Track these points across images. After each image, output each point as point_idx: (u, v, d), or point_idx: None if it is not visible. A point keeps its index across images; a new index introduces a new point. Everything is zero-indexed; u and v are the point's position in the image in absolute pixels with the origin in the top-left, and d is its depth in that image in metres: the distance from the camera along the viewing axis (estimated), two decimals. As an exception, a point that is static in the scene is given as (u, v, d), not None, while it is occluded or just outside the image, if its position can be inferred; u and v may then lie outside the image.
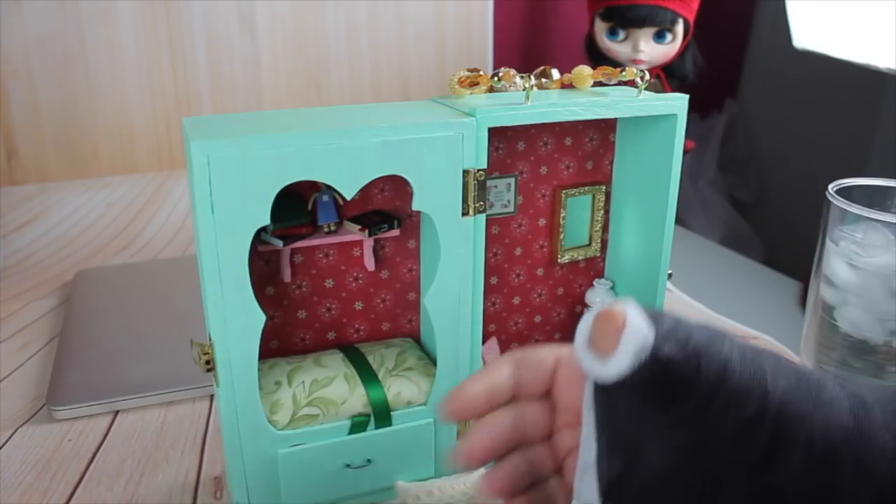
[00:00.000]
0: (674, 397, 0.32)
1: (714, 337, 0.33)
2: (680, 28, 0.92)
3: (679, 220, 0.50)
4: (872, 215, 0.52)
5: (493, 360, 0.53)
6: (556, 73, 0.48)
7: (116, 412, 0.60)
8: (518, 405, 0.39)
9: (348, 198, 0.41)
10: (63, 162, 1.14)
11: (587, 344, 0.32)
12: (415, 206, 0.42)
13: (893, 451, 0.32)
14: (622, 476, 0.35)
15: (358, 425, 0.45)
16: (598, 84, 0.48)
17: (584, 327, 0.33)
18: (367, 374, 0.46)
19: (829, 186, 0.56)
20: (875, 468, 0.32)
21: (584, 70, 0.47)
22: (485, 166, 0.43)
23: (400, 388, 0.46)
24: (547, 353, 0.38)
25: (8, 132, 1.09)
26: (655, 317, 0.32)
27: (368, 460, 0.46)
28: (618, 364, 0.31)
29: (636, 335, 0.31)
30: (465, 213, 0.43)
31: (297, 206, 0.46)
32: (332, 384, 0.45)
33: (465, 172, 0.42)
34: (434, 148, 0.41)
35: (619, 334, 0.31)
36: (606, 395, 0.34)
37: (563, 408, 0.38)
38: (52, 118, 1.12)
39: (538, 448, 0.39)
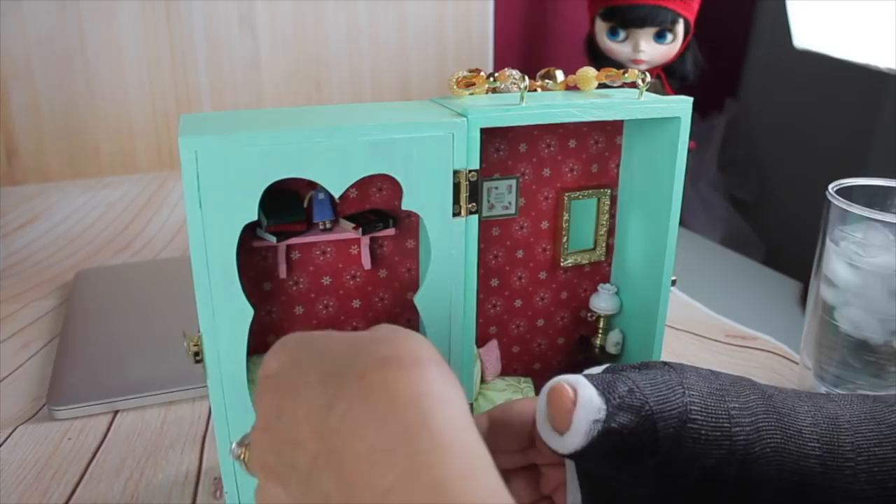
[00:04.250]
0: (634, 460, 0.33)
1: (672, 392, 0.33)
2: (680, 28, 0.92)
3: (679, 221, 0.50)
4: (872, 215, 0.52)
5: (498, 368, 0.53)
6: (560, 75, 0.48)
7: (116, 412, 0.60)
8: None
9: (336, 196, 0.41)
10: (63, 162, 1.14)
11: (543, 420, 0.33)
12: (404, 206, 0.42)
13: (866, 472, 0.33)
14: None
15: None
16: (602, 86, 0.48)
17: (540, 404, 0.34)
18: None
19: (830, 186, 0.56)
20: (847, 490, 0.33)
21: (589, 72, 0.47)
22: (477, 167, 0.43)
23: None
24: (524, 405, 0.38)
25: (8, 132, 1.09)
26: (607, 387, 0.33)
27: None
28: (573, 440, 0.32)
29: (587, 411, 0.32)
30: (456, 214, 0.43)
31: (293, 203, 0.46)
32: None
33: (456, 173, 0.42)
34: (423, 148, 0.41)
35: (570, 411, 0.32)
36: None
37: (548, 452, 0.38)
38: (53, 118, 1.12)
39: (521, 482, 0.40)
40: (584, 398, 0.32)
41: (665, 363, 0.36)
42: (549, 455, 0.38)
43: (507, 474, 0.42)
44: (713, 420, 0.33)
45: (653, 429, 0.32)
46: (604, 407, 0.32)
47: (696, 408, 0.33)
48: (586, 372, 0.36)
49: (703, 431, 0.32)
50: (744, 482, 0.33)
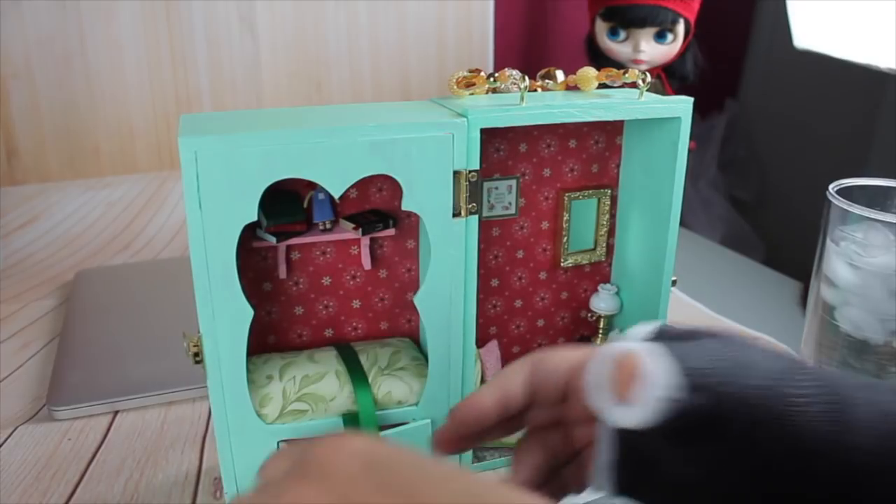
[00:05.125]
0: (694, 442, 0.30)
1: (738, 370, 0.30)
2: (681, 28, 0.92)
3: (679, 221, 0.50)
4: (873, 215, 0.52)
5: (498, 368, 0.53)
6: (560, 75, 0.48)
7: (116, 412, 0.60)
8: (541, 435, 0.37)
9: (336, 196, 0.41)
10: (63, 162, 1.14)
11: (603, 387, 0.31)
12: (404, 206, 0.42)
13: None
14: (636, 481, 0.33)
15: (348, 423, 0.45)
16: (602, 86, 0.48)
17: (598, 368, 0.31)
18: (358, 375, 0.46)
19: (830, 186, 0.56)
20: None
21: (589, 72, 0.47)
22: (477, 167, 0.43)
23: (391, 387, 0.46)
24: (561, 359, 0.36)
25: (8, 132, 1.09)
26: (683, 362, 0.30)
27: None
28: (640, 413, 0.29)
29: (658, 385, 0.29)
30: (456, 214, 0.43)
31: (293, 203, 0.46)
32: (322, 380, 0.45)
33: (456, 173, 0.42)
34: (423, 148, 0.41)
35: (640, 383, 0.29)
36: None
37: (580, 405, 0.35)
38: (53, 118, 1.12)
39: (555, 438, 0.38)
40: (655, 372, 0.29)
41: (724, 336, 0.33)
42: (581, 410, 0.35)
43: (540, 430, 0.38)
44: (774, 410, 0.30)
45: (724, 415, 0.29)
46: (677, 384, 0.29)
47: (761, 389, 0.30)
48: (636, 335, 0.33)
49: (765, 420, 0.29)
50: (793, 480, 0.30)
